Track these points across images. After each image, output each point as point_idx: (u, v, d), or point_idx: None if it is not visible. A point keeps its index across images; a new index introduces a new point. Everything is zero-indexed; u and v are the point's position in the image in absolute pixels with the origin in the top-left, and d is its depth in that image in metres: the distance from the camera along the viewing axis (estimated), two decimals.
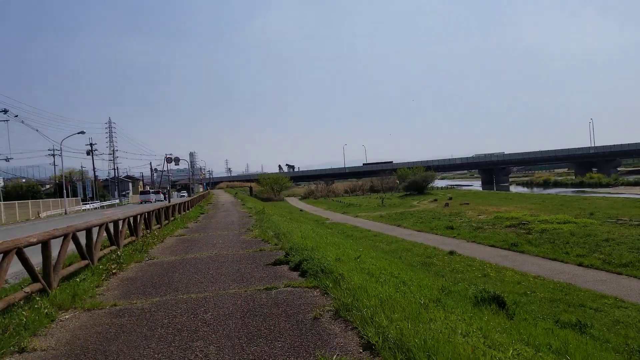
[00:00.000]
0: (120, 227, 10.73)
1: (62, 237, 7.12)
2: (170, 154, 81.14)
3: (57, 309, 5.87)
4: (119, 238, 10.35)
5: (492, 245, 22.73)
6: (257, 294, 6.43)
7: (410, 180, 75.98)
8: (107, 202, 63.20)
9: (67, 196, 59.43)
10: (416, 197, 68.65)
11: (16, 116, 40.11)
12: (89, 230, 8.38)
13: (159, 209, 15.76)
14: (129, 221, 11.26)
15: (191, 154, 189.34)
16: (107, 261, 8.83)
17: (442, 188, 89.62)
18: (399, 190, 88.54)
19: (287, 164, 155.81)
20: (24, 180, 76.43)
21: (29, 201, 34.75)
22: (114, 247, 9.86)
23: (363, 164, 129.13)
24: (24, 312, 5.23)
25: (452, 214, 40.67)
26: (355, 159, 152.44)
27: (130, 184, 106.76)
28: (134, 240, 11.61)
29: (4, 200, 54.30)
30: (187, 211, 25.71)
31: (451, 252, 20.09)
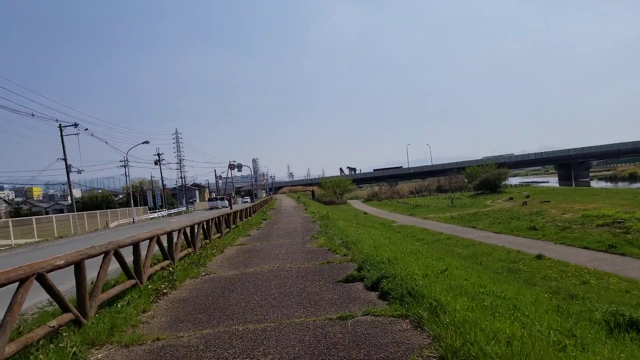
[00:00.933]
0: (175, 239, 9.79)
1: (102, 256, 6.11)
2: (234, 161, 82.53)
3: (88, 346, 4.80)
4: (174, 251, 9.39)
5: (586, 247, 20.26)
6: (329, 326, 5.05)
7: (481, 179, 72.09)
8: (174, 210, 64.86)
9: (137, 205, 61.66)
10: (489, 196, 64.81)
11: (86, 129, 41.63)
12: (136, 245, 7.39)
13: (218, 217, 14.91)
14: (184, 232, 10.32)
15: (254, 161, 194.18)
16: (157, 279, 7.84)
17: (515, 186, 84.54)
18: (469, 190, 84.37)
19: (348, 167, 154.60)
20: (99, 191, 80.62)
21: (97, 212, 35.80)
22: (167, 262, 8.90)
23: (434, 164, 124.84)
24: (41, 357, 4.16)
25: (532, 213, 37.59)
26: (419, 159, 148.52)
27: (197, 192, 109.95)
28: (191, 253, 10.67)
29: (82, 210, 57.14)
30: (250, 218, 24.99)
31: (539, 256, 17.88)
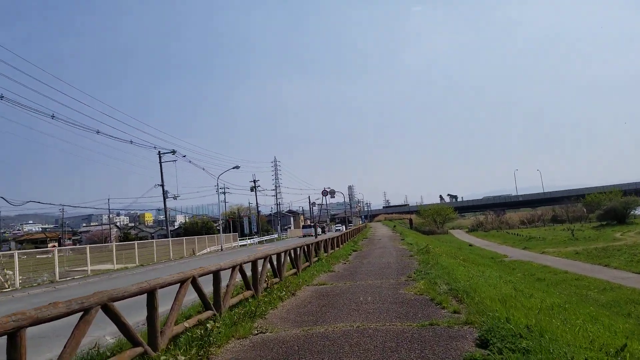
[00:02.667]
0: (227, 281, 7.51)
1: (79, 313, 3.90)
2: (328, 188, 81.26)
3: None
4: (222, 297, 7.06)
5: None
6: None
7: (606, 208, 63.40)
8: (266, 237, 64.41)
9: (235, 231, 62.14)
10: (616, 227, 56.47)
11: (184, 156, 42.37)
12: (150, 293, 5.15)
13: (294, 249, 12.51)
14: (241, 269, 7.98)
15: (349, 187, 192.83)
16: (185, 342, 5.50)
17: None
18: (590, 220, 75.17)
19: (448, 194, 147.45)
20: (199, 217, 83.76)
21: (184, 238, 35.56)
22: (208, 314, 6.57)
23: (546, 192, 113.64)
24: None
25: None
26: (528, 186, 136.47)
27: (291, 218, 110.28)
28: (252, 295, 8.33)
29: (184, 235, 58.65)
30: (338, 248, 22.39)
31: None
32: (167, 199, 40.02)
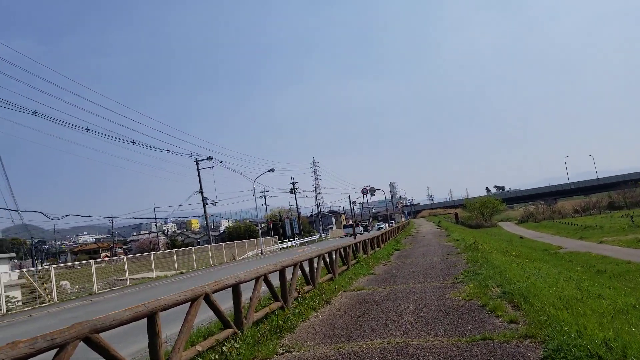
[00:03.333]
0: (249, 294, 6.80)
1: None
2: (369, 186, 79.93)
3: None
4: (244, 313, 6.32)
5: None
6: None
7: None
8: (307, 239, 63.89)
9: (276, 234, 62.05)
10: None
11: (221, 162, 42.42)
12: (151, 318, 4.47)
13: (330, 252, 11.63)
14: (266, 280, 7.23)
15: (391, 185, 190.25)
16: None
17: None
18: None
19: (495, 186, 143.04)
20: (241, 222, 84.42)
21: (222, 244, 35.43)
22: (228, 332, 5.86)
23: (600, 177, 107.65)
24: None
25: None
26: (580, 172, 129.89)
27: (333, 219, 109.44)
28: (281, 307, 7.57)
29: (228, 240, 58.96)
30: (379, 248, 21.32)
31: None
32: (207, 205, 40.20)
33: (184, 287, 5.71)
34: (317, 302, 8.18)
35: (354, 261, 14.65)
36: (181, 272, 27.52)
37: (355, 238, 18.97)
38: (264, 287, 7.43)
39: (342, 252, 13.36)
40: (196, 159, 41.27)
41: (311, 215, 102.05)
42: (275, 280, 7.83)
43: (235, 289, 6.22)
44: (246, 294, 6.73)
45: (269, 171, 42.79)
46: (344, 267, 13.06)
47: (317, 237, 70.53)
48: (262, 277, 7.04)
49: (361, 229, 70.48)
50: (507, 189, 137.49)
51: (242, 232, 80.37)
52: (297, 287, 8.67)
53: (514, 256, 15.22)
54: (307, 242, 60.68)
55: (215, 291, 5.74)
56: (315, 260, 10.32)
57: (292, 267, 8.54)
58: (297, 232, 72.29)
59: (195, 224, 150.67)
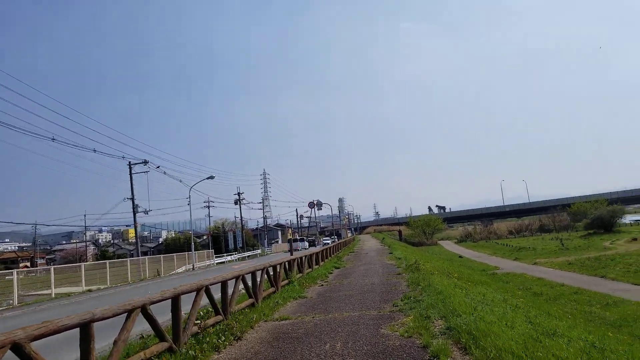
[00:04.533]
0: (132, 331, 5.13)
1: None
2: (316, 200, 78.80)
3: None
4: None
5: None
6: None
7: (594, 216, 62.40)
8: (249, 253, 61.46)
9: (210, 248, 59.18)
10: (604, 236, 55.31)
11: (158, 167, 39.66)
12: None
13: (254, 272, 10.01)
14: (145, 314, 5.56)
15: (340, 200, 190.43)
16: None
17: (631, 224, 73.07)
18: (576, 229, 74.24)
19: (437, 205, 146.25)
20: (180, 233, 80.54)
21: (147, 257, 32.61)
22: None
23: (533, 201, 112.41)
24: None
25: None
26: (514, 196, 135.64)
27: (279, 232, 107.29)
28: (169, 349, 5.91)
29: (165, 252, 55.59)
30: (318, 266, 19.91)
31: None
32: (139, 214, 37.29)
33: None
34: (223, 338, 6.54)
35: (286, 281, 13.11)
36: (88, 290, 24.52)
37: (292, 254, 17.44)
38: (147, 325, 5.79)
39: (272, 272, 11.81)
40: (129, 162, 38.23)
41: (257, 228, 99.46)
42: (183, 306, 6.23)
43: (86, 330, 4.50)
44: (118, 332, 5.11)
45: (207, 178, 40.52)
46: (272, 290, 11.48)
47: (259, 251, 68.12)
48: (139, 309, 5.36)
49: (306, 243, 68.90)
50: (447, 209, 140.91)
51: (181, 243, 76.57)
52: (200, 320, 7.05)
53: (455, 278, 14.33)
54: (248, 256, 58.32)
55: (49, 334, 4.04)
56: (231, 283, 8.71)
57: (195, 292, 6.91)
58: (241, 245, 69.71)
59: (133, 233, 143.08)
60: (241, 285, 9.54)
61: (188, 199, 38.98)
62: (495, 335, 5.41)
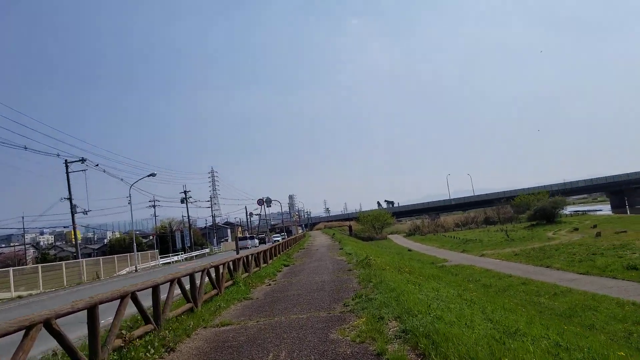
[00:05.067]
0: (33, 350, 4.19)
1: None
2: (265, 197, 77.67)
3: None
4: None
5: None
6: None
7: (536, 208, 64.84)
8: (196, 252, 59.48)
9: (156, 248, 56.92)
10: (547, 226, 57.62)
11: (97, 165, 37.38)
12: None
13: (193, 274, 9.08)
14: (49, 328, 4.58)
15: (290, 197, 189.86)
16: None
17: (571, 215, 76.81)
18: (520, 221, 77.21)
19: (385, 200, 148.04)
20: (125, 234, 77.04)
21: (84, 260, 30.55)
22: None
23: (478, 194, 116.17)
24: None
25: (615, 246, 30.76)
26: (459, 190, 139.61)
27: (229, 230, 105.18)
28: None
29: (110, 254, 52.67)
30: (267, 263, 19.08)
31: None
32: (78, 214, 34.97)
33: None
34: (152, 351, 5.69)
35: (230, 282, 12.23)
36: (18, 297, 22.62)
37: (237, 253, 16.49)
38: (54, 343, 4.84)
39: (214, 273, 10.91)
40: (66, 160, 35.75)
41: (205, 227, 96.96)
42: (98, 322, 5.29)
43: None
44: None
45: (148, 176, 38.65)
46: (214, 292, 10.59)
47: (207, 250, 66.16)
48: (41, 324, 4.42)
49: (256, 241, 67.62)
50: (396, 203, 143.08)
51: (126, 244, 73.35)
52: (126, 331, 6.14)
53: (407, 273, 13.98)
54: (195, 256, 56.42)
55: None
56: (165, 287, 7.76)
57: (119, 299, 5.99)
58: (189, 245, 67.41)
59: (78, 235, 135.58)
60: (179, 290, 8.63)
61: (128, 198, 36.93)
62: (457, 338, 4.89)
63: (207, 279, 10.33)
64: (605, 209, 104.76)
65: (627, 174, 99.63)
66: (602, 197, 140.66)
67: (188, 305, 8.63)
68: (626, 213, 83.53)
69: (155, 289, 7.15)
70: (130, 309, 6.78)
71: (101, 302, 5.48)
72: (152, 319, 6.85)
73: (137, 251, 42.87)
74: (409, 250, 51.68)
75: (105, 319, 7.33)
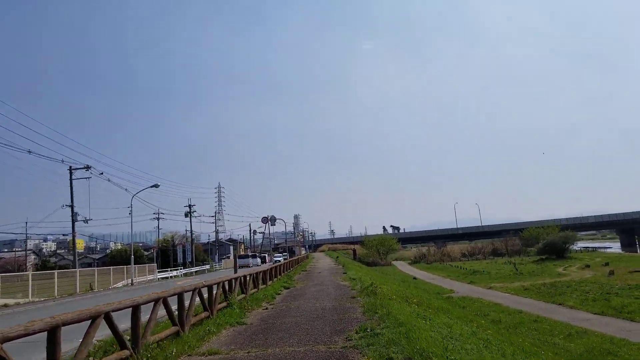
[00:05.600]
0: None
1: None
2: (270, 215, 76.78)
3: None
4: None
5: None
6: None
7: (546, 242, 63.39)
8: (196, 268, 58.37)
9: (155, 262, 55.97)
10: (556, 262, 56.07)
11: (101, 173, 36.90)
12: None
13: (181, 294, 8.23)
14: None
15: (295, 217, 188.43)
16: None
17: (580, 251, 75.04)
18: (528, 254, 75.59)
19: (391, 225, 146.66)
20: (127, 245, 76.24)
21: (77, 270, 29.71)
22: None
23: (486, 225, 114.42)
24: None
25: (631, 287, 29.60)
26: (466, 218, 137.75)
27: (231, 247, 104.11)
28: None
29: (110, 265, 51.96)
30: (264, 286, 18.12)
31: None
32: (79, 222, 34.36)
33: None
34: None
35: (224, 304, 11.35)
36: (4, 305, 21.82)
37: (235, 271, 15.59)
38: None
39: (207, 292, 10.05)
40: (70, 166, 35.39)
41: (208, 243, 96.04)
42: (70, 344, 4.50)
43: None
44: None
45: (152, 186, 38.06)
46: (205, 314, 9.73)
47: (207, 266, 65.05)
48: None
49: (258, 260, 66.47)
50: (402, 229, 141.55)
51: (127, 256, 72.66)
52: (94, 358, 5.34)
53: (415, 304, 13.04)
54: (195, 272, 55.39)
55: None
56: (147, 307, 6.93)
57: (90, 320, 5.19)
58: (190, 260, 66.45)
59: (80, 244, 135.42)
60: (165, 310, 7.80)
61: (129, 208, 36.31)
62: None
63: (198, 299, 9.47)
64: (614, 246, 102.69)
65: (639, 212, 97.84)
66: (612, 234, 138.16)
67: (173, 329, 7.77)
68: (636, 252, 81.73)
69: (136, 310, 6.34)
70: (106, 331, 5.99)
71: (65, 324, 4.69)
72: (128, 344, 6.02)
73: (137, 264, 42.02)
74: (414, 278, 50.39)
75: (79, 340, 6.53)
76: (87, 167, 35.29)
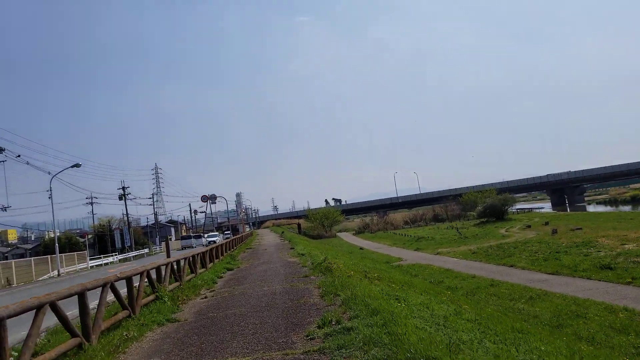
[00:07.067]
0: None
1: None
2: (210, 194, 73.31)
3: None
4: None
5: None
6: None
7: (486, 205, 64.94)
8: (134, 253, 54.71)
9: (95, 248, 51.93)
10: (497, 223, 57.43)
11: (18, 156, 32.64)
12: None
13: (83, 291, 6.14)
14: None
15: (237, 195, 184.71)
16: None
17: (515, 212, 78.03)
18: (468, 218, 77.56)
19: (333, 198, 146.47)
20: (59, 233, 70.55)
21: None
22: None
23: (426, 192, 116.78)
24: None
25: (577, 244, 29.82)
26: (405, 188, 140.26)
27: (172, 229, 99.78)
28: None
29: (44, 254, 47.19)
30: (206, 268, 16.03)
31: None
32: (22, 212, 30.24)
33: None
34: None
35: (152, 297, 9.25)
36: None
37: (168, 256, 13.41)
38: None
39: (127, 285, 7.88)
40: None
41: (147, 226, 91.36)
42: None
43: None
44: None
45: (72, 166, 34.20)
46: (124, 314, 7.61)
47: (146, 250, 61.29)
48: None
49: (204, 240, 63.38)
50: (344, 201, 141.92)
51: (62, 244, 67.46)
52: None
53: (376, 279, 11.55)
54: (133, 256, 51.83)
55: None
56: (28, 315, 4.79)
57: None
58: (129, 244, 62.32)
59: (13, 234, 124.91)
60: (40, 321, 5.66)
61: (49, 191, 32.42)
62: None
63: (113, 296, 7.35)
64: (546, 206, 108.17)
65: (568, 172, 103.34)
66: (542, 195, 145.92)
67: (73, 342, 5.65)
68: (566, 210, 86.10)
69: (1, 322, 4.20)
70: None
71: None
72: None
73: (72, 251, 38.21)
74: (361, 248, 49.76)
75: None
76: (1, 150, 30.99)
